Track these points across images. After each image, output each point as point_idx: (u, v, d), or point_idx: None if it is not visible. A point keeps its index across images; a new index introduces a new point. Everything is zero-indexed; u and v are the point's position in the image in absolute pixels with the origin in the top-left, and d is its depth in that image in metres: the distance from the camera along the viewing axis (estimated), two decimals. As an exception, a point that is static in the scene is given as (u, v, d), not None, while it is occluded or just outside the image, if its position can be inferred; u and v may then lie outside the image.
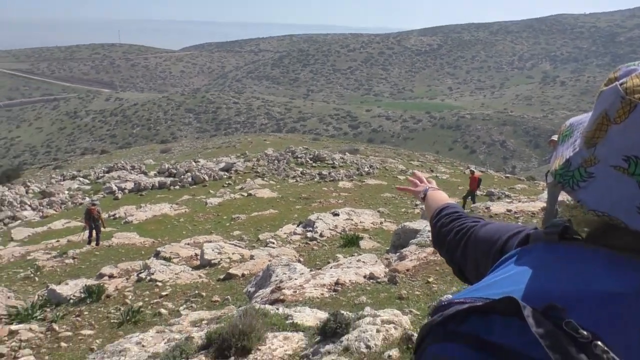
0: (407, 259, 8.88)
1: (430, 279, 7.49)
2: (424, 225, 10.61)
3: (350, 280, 7.58)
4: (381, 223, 15.43)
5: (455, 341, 0.68)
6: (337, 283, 7.47)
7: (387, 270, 8.40)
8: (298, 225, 15.17)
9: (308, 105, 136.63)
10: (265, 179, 27.52)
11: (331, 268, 8.46)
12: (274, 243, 12.92)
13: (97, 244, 15.94)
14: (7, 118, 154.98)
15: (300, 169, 29.59)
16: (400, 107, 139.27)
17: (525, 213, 11.82)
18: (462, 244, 1.20)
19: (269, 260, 10.32)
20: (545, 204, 10.87)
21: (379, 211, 18.01)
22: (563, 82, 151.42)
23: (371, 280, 7.68)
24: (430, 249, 9.19)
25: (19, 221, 22.31)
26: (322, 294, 7.09)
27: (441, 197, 1.59)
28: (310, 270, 8.51)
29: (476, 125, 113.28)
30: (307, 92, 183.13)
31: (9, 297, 10.02)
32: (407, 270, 8.25)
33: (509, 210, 12.13)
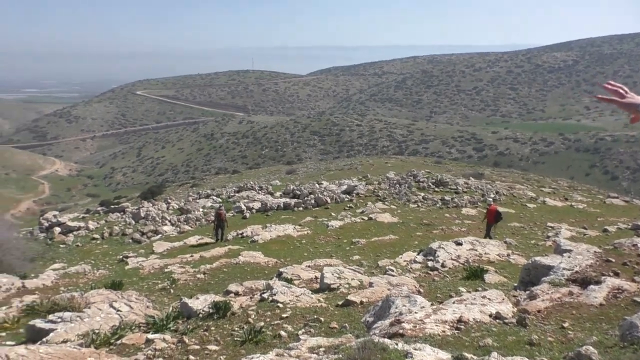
0: (538, 298, 8.17)
1: (566, 324, 6.79)
2: (558, 262, 9.72)
3: (474, 319, 7.13)
4: (508, 255, 14.47)
5: None
6: (459, 320, 7.07)
7: (515, 310, 7.79)
8: (419, 253, 14.76)
9: (431, 127, 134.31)
10: (386, 202, 27.36)
11: (453, 303, 8.05)
12: (393, 271, 12.69)
13: (221, 239, 20.88)
14: (155, 140, 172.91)
15: (422, 194, 28.98)
16: (529, 128, 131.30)
17: (682, 252, 10.32)
18: None
19: (388, 290, 10.13)
20: None
21: (505, 242, 16.95)
22: None
23: (497, 320, 7.16)
24: (566, 289, 8.37)
25: (160, 235, 24.50)
26: (444, 332, 6.75)
27: None
28: (432, 304, 8.17)
29: (618, 148, 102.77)
30: (430, 113, 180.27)
31: (147, 307, 10.95)
32: (538, 311, 7.58)
33: (662, 249, 10.68)
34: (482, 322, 6.98)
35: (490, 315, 7.26)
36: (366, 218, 23.50)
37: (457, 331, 6.70)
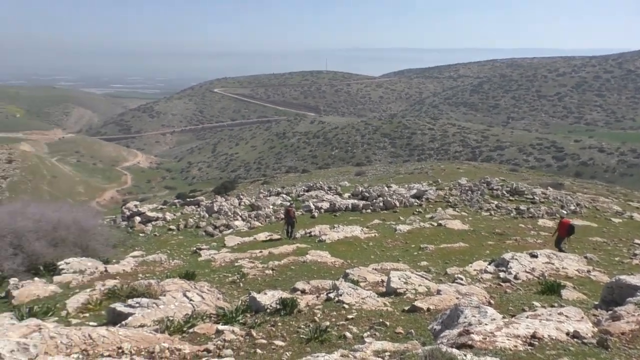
0: (622, 319, 7.64)
1: (654, 350, 6.31)
2: (646, 282, 9.06)
3: (549, 336, 6.80)
4: (588, 272, 13.67)
5: None
6: (533, 336, 6.76)
7: (595, 330, 7.35)
8: (490, 263, 14.29)
9: (507, 134, 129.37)
10: (456, 209, 26.70)
11: (527, 317, 7.72)
12: (462, 279, 12.36)
13: (290, 237, 21.12)
14: (229, 137, 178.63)
15: (495, 202, 27.99)
16: (617, 138, 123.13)
17: None
18: None
19: (457, 298, 9.88)
20: None
21: (586, 257, 16.02)
22: None
23: (575, 340, 6.78)
24: (654, 313, 7.78)
25: (231, 230, 25.26)
26: (516, 346, 6.49)
27: None
28: (503, 317, 7.87)
29: None
30: (507, 119, 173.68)
31: (218, 298, 11.32)
32: (622, 333, 7.09)
33: None
34: (558, 340, 6.65)
35: (567, 334, 6.90)
36: (435, 224, 23.04)
37: (530, 347, 6.43)
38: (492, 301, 10.25)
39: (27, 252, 16.43)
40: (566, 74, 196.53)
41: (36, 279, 14.00)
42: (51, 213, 18.95)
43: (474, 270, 13.94)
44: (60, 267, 15.44)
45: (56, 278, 14.13)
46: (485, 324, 7.21)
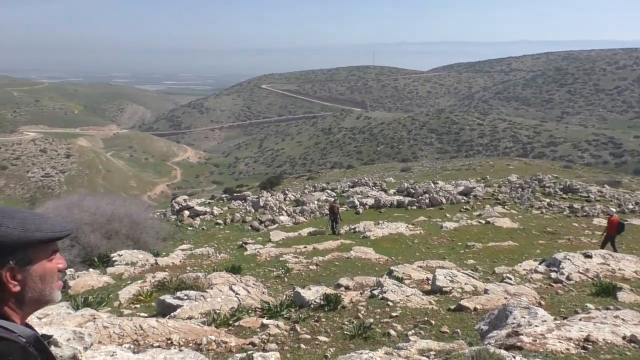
0: (684, 325, 7.24)
1: None
2: None
3: (604, 339, 6.51)
4: (648, 274, 12.98)
5: None
6: (587, 339, 6.50)
7: (654, 335, 6.98)
8: (540, 263, 13.83)
9: (561, 129, 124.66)
10: (506, 207, 25.99)
11: (580, 320, 7.43)
12: (511, 279, 12.01)
13: (334, 233, 21.41)
14: (275, 132, 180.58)
15: (547, 200, 27.07)
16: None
17: None
18: None
19: (505, 298, 9.62)
20: None
21: (645, 259, 15.24)
22: None
23: (632, 344, 6.47)
24: None
25: (276, 224, 25.54)
26: (568, 349, 6.25)
27: None
28: (554, 319, 7.61)
29: None
30: (562, 114, 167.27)
31: (263, 292, 11.47)
32: (684, 340, 6.72)
33: None
34: (613, 344, 6.36)
35: (623, 338, 6.59)
36: (483, 221, 22.51)
37: (583, 350, 6.18)
38: (542, 302, 9.93)
39: (83, 243, 17.16)
40: (627, 67, 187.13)
41: (91, 270, 14.60)
42: (105, 206, 19.71)
43: (524, 270, 13.53)
44: (113, 258, 16.03)
45: (109, 269, 14.68)
46: (536, 326, 6.99)
